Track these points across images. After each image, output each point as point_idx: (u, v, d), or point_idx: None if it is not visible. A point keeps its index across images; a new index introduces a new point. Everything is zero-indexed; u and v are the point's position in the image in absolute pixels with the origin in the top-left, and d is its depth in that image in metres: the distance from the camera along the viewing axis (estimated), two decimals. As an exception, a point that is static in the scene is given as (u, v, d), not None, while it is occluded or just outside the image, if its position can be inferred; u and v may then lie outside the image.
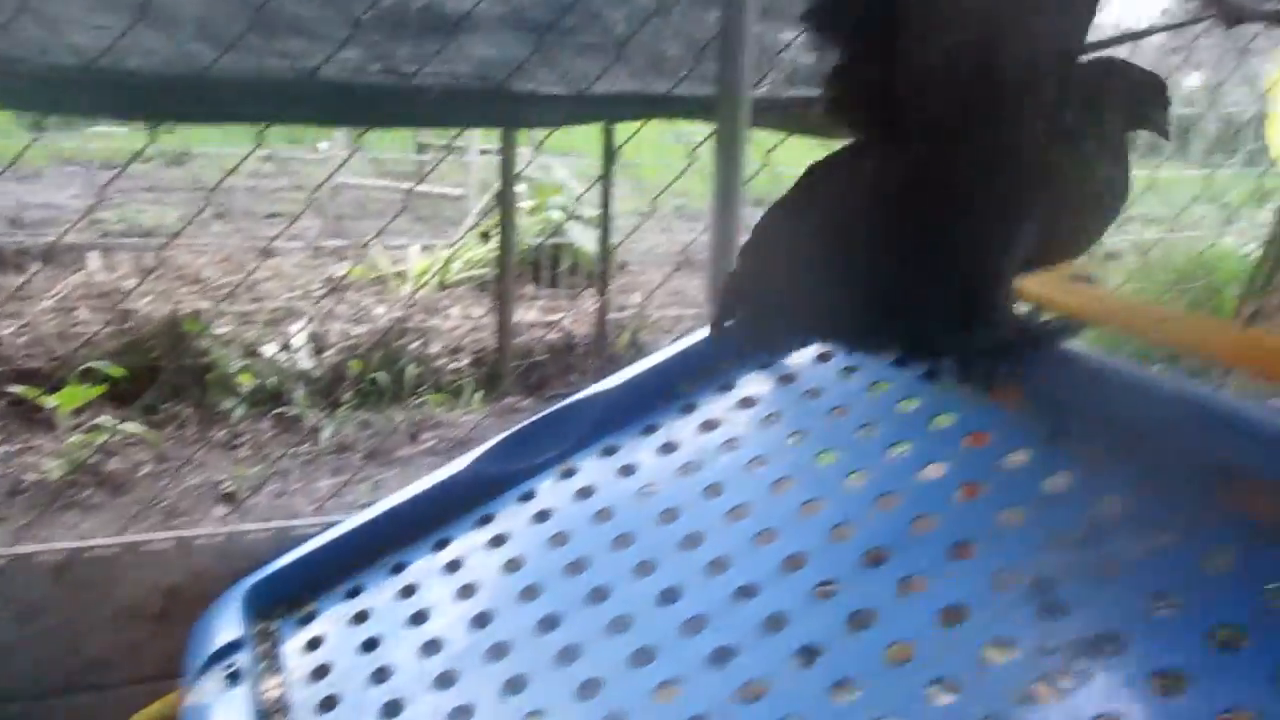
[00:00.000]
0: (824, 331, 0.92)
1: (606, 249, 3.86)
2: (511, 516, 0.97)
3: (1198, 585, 0.59)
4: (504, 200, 3.73)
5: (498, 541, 0.94)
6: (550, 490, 0.97)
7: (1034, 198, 0.78)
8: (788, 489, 0.84)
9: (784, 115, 1.75)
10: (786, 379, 0.99)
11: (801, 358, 1.01)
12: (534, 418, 1.05)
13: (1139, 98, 0.85)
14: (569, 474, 0.98)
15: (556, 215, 4.58)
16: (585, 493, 0.95)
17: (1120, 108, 0.84)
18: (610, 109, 1.80)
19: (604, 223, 3.81)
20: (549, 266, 4.56)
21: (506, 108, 1.53)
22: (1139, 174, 0.88)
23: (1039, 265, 0.92)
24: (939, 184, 0.76)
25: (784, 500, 0.83)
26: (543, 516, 0.94)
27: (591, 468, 0.98)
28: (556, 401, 1.06)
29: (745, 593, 0.75)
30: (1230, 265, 4.03)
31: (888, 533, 0.74)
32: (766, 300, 0.85)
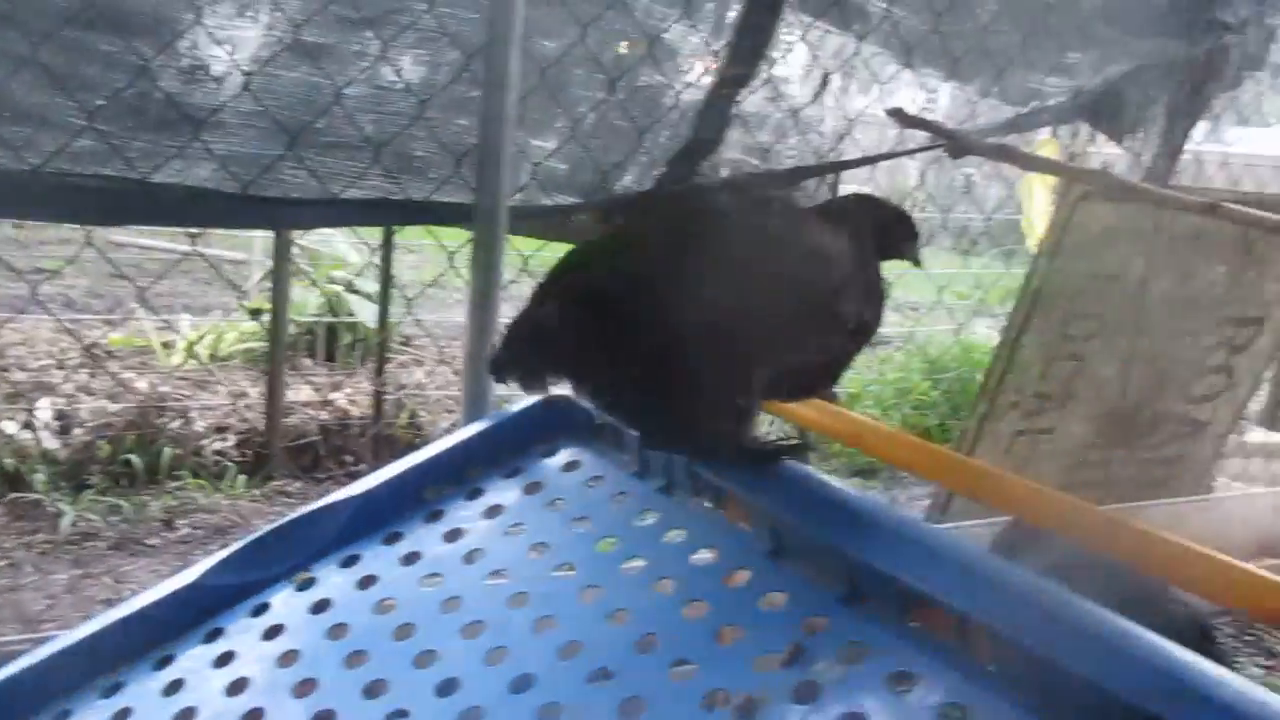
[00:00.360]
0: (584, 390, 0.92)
1: (385, 325, 3.80)
2: (241, 632, 0.92)
3: (887, 705, 0.63)
4: (277, 273, 3.61)
5: (224, 659, 0.89)
6: (285, 603, 0.94)
7: (789, 325, 0.82)
8: (524, 603, 0.84)
9: (541, 223, 1.77)
10: (533, 487, 0.99)
11: (550, 465, 1.02)
12: (272, 525, 1.01)
13: (891, 231, 0.93)
14: (306, 585, 0.95)
15: (336, 288, 4.47)
16: (321, 606, 0.92)
17: (874, 240, 0.90)
18: (364, 214, 1.75)
19: (383, 298, 3.75)
20: (328, 341, 4.43)
21: (255, 209, 1.48)
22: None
23: (796, 393, 0.97)
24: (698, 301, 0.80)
25: (520, 615, 0.83)
26: (274, 632, 0.90)
27: (330, 579, 0.95)
28: (327, 485, 1.03)
29: (473, 715, 0.75)
30: (977, 357, 4.36)
31: (615, 651, 0.75)
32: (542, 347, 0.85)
